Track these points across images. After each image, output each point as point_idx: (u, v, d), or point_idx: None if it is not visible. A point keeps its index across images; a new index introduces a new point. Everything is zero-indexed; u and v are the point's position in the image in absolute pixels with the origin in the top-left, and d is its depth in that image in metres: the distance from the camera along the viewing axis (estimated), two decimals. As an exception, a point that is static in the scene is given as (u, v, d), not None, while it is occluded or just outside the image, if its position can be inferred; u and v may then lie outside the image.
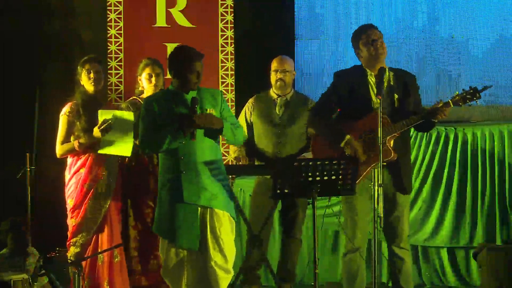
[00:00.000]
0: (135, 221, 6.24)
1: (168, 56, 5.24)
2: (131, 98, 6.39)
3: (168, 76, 5.33)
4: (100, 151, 5.92)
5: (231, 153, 6.66)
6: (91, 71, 6.03)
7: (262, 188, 6.53)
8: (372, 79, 5.55)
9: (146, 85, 6.24)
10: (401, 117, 5.46)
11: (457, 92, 5.45)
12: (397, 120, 5.45)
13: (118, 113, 5.95)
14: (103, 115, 5.88)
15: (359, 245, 5.56)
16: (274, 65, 6.56)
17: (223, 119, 5.18)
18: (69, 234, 6.03)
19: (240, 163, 6.50)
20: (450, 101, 5.40)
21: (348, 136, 5.49)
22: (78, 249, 5.95)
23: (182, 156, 5.09)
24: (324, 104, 5.71)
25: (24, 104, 7.15)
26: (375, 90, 5.46)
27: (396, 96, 5.54)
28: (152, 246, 6.15)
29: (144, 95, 6.26)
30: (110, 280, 6.03)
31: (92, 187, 5.99)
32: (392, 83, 5.55)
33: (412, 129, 5.66)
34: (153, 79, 6.20)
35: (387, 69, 5.56)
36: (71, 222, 6.01)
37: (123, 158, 6.14)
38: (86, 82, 6.04)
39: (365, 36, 5.56)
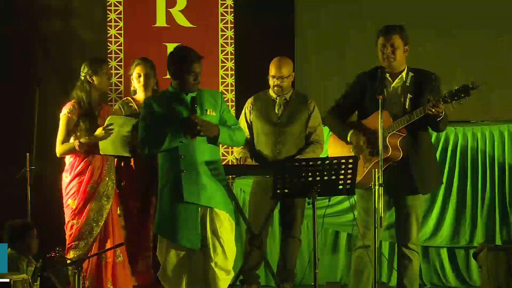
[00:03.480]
0: (125, 222, 6.24)
1: (168, 57, 5.25)
2: (124, 99, 6.43)
3: (168, 75, 5.33)
4: (102, 152, 5.93)
5: (236, 154, 6.66)
6: (108, 73, 6.14)
7: (259, 188, 6.53)
8: (389, 79, 5.59)
9: (136, 84, 6.30)
10: None
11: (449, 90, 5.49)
12: None
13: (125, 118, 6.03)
14: (112, 120, 5.91)
15: (369, 243, 5.60)
16: (272, 70, 6.52)
17: (222, 121, 5.18)
18: (68, 237, 6.00)
19: (246, 163, 6.49)
20: (440, 99, 5.41)
21: (352, 130, 5.59)
22: (79, 252, 5.93)
23: (182, 156, 5.09)
24: (339, 104, 5.82)
25: (24, 104, 7.15)
26: (390, 90, 5.56)
27: (409, 96, 5.56)
28: (140, 247, 6.16)
29: (137, 95, 6.29)
30: (113, 280, 6.02)
31: (95, 188, 5.99)
32: (408, 84, 5.58)
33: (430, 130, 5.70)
34: (141, 78, 6.25)
35: (405, 69, 5.63)
36: (72, 224, 5.98)
37: (119, 159, 6.16)
38: (103, 83, 6.05)
39: (379, 40, 5.63)
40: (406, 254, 5.66)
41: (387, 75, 5.61)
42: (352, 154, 5.60)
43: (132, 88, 6.39)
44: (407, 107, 5.56)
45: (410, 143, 5.55)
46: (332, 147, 5.86)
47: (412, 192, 5.60)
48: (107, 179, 6.04)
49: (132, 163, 6.22)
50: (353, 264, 5.77)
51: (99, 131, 5.90)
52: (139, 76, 6.27)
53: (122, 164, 6.24)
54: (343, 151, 5.67)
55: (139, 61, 6.33)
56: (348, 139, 5.64)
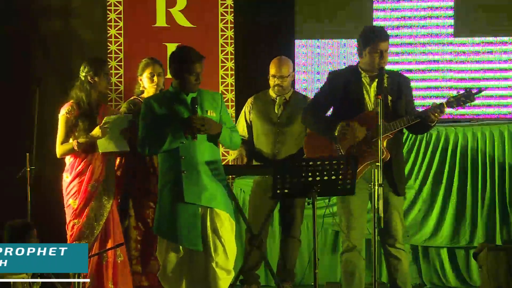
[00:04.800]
0: (136, 222, 6.24)
1: (168, 56, 5.25)
2: (132, 98, 6.39)
3: (169, 76, 5.33)
4: (102, 151, 5.93)
5: (232, 153, 6.67)
6: (108, 74, 6.14)
7: (260, 188, 6.54)
8: (366, 80, 5.59)
9: (147, 84, 6.25)
10: (393, 118, 5.50)
11: (452, 94, 5.49)
12: (389, 121, 5.47)
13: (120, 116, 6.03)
14: (108, 119, 5.90)
15: (354, 244, 5.58)
16: (272, 69, 6.55)
17: (222, 123, 5.19)
18: (69, 237, 5.98)
19: (240, 163, 6.49)
20: (445, 103, 5.43)
21: (342, 122, 5.52)
22: None
23: (183, 156, 5.09)
24: (317, 103, 5.77)
25: (24, 104, 7.16)
26: (369, 91, 5.56)
27: (390, 97, 5.56)
28: (152, 247, 6.14)
29: (145, 95, 6.27)
30: (114, 280, 6.02)
31: (96, 188, 5.99)
32: (386, 85, 5.56)
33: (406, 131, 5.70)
34: (155, 78, 6.22)
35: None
36: (73, 223, 5.97)
37: (117, 157, 6.17)
38: (103, 84, 6.05)
39: (375, 45, 5.55)
40: (394, 254, 5.63)
41: (366, 76, 5.59)
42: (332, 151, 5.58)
43: (140, 88, 6.33)
44: (389, 108, 5.56)
45: (393, 145, 5.56)
46: (309, 147, 5.82)
47: (396, 193, 5.60)
48: (107, 178, 6.03)
49: (144, 163, 6.20)
50: (342, 268, 5.72)
51: (95, 131, 5.90)
52: (152, 76, 6.23)
53: (136, 163, 6.21)
54: (320, 148, 5.63)
55: (149, 61, 6.28)
56: (336, 132, 5.55)
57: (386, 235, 5.63)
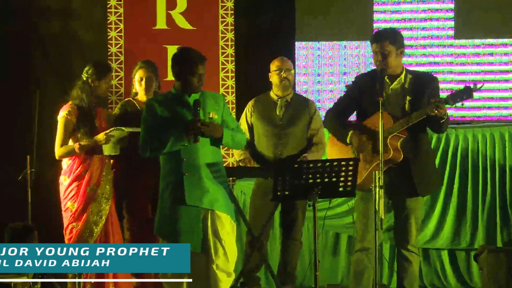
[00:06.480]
0: (130, 224, 6.24)
1: (171, 58, 5.24)
2: (126, 99, 6.42)
3: (169, 78, 5.32)
4: (106, 153, 5.94)
5: (236, 156, 6.65)
6: (110, 80, 6.18)
7: (260, 190, 6.53)
8: (386, 81, 5.60)
9: (138, 87, 6.28)
10: None
11: (451, 91, 5.50)
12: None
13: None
14: (115, 130, 5.92)
15: (368, 246, 5.59)
16: (276, 64, 6.54)
17: (224, 124, 5.18)
18: (67, 241, 5.96)
19: (247, 165, 6.48)
20: (443, 100, 5.42)
21: (351, 131, 5.58)
22: None
23: (184, 158, 5.09)
24: (338, 106, 5.83)
25: (23, 105, 7.16)
26: (388, 91, 5.57)
27: (408, 98, 5.56)
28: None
29: (138, 97, 6.29)
30: (115, 282, 6.00)
31: (95, 191, 5.97)
32: (406, 86, 5.59)
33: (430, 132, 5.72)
34: (143, 82, 6.24)
35: (404, 72, 5.64)
36: (72, 226, 5.95)
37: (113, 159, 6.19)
38: (103, 89, 6.08)
39: (371, 47, 5.64)
40: (406, 256, 5.67)
41: (386, 77, 5.61)
42: (351, 155, 5.61)
43: (133, 90, 6.37)
44: (406, 109, 5.57)
45: (411, 145, 5.56)
46: (331, 149, 5.86)
47: (412, 195, 5.61)
48: (105, 180, 6.03)
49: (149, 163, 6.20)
50: (352, 267, 5.76)
51: (100, 136, 5.89)
52: (141, 79, 6.25)
53: (139, 165, 6.21)
54: (342, 152, 5.67)
55: (142, 64, 6.30)
56: (348, 140, 5.63)
57: (399, 237, 5.67)
